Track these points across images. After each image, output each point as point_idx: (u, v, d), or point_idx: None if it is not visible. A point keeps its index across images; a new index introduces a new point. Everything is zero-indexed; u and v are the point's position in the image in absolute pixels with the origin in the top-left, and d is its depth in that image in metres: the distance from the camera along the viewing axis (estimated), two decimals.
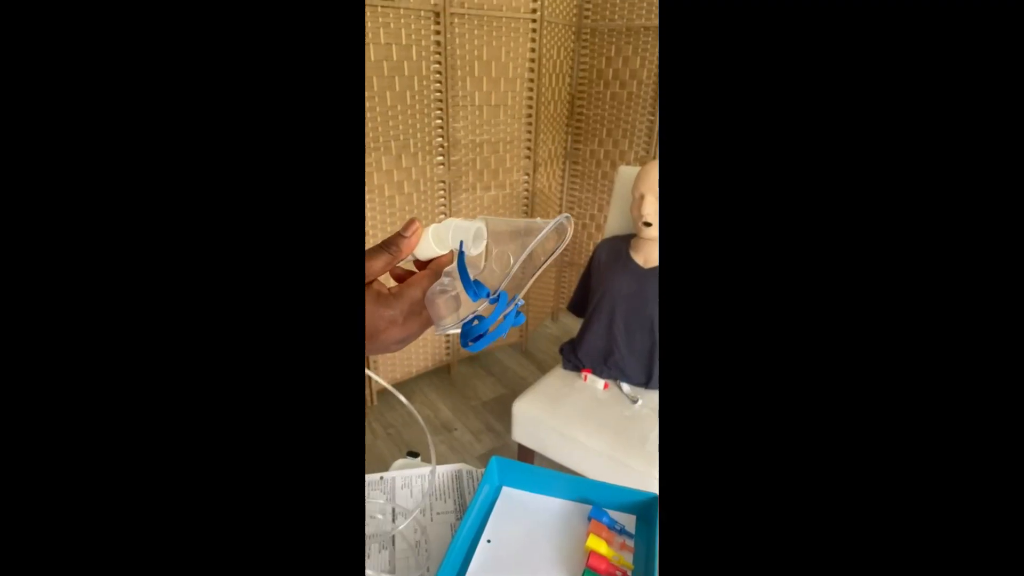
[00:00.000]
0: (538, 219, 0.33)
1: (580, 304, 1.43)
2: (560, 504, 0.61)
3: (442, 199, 1.71)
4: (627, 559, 0.54)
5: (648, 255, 1.26)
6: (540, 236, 0.33)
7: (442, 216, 1.73)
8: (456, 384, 1.95)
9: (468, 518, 0.57)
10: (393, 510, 0.61)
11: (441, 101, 1.56)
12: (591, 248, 1.82)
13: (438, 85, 1.53)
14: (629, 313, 1.26)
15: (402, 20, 1.39)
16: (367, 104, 1.42)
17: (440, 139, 1.61)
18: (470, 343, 0.34)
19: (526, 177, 1.89)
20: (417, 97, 1.50)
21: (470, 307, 0.35)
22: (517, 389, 1.92)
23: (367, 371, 0.48)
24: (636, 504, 0.60)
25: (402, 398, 0.48)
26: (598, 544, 0.54)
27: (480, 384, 1.96)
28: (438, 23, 1.46)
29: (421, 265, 0.37)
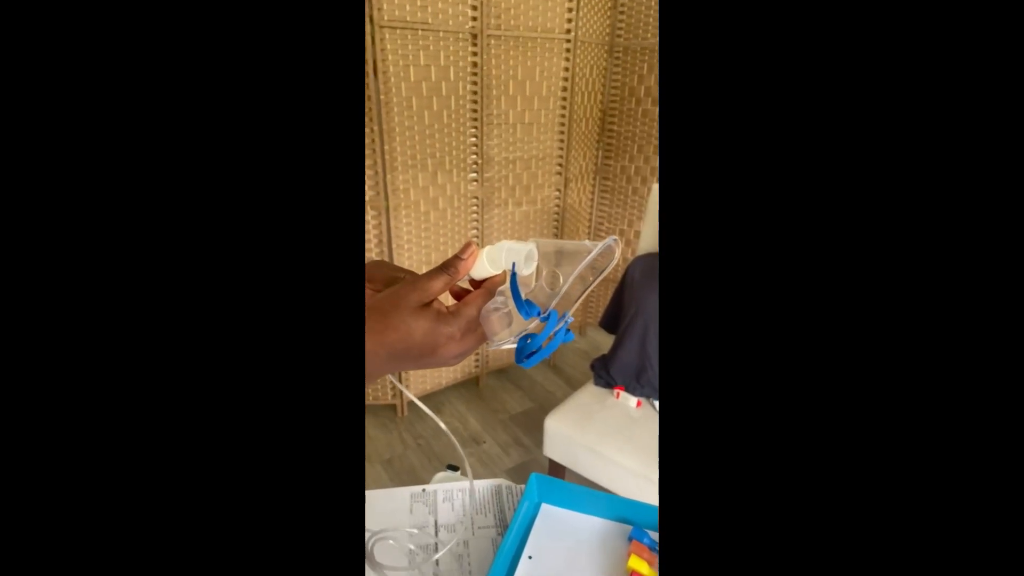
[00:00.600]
0: (586, 241, 0.34)
1: (612, 321, 1.43)
2: (600, 523, 0.62)
3: (475, 215, 1.74)
4: None
5: None
6: (589, 258, 0.34)
7: (475, 232, 1.76)
8: (484, 397, 1.97)
9: (510, 534, 0.58)
10: (436, 522, 0.63)
11: (476, 119, 1.60)
12: (620, 263, 1.83)
13: (473, 104, 1.57)
14: None
15: (440, 43, 1.44)
16: (406, 124, 1.47)
17: (474, 156, 1.65)
18: (524, 359, 0.36)
19: (557, 193, 1.91)
20: (453, 116, 1.55)
21: (521, 324, 0.36)
22: (545, 403, 1.93)
23: (397, 383, 0.50)
24: None
25: (430, 412, 0.50)
26: (640, 565, 0.54)
27: (508, 397, 1.97)
28: (475, 44, 1.50)
29: (476, 284, 0.39)
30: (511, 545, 0.57)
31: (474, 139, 1.62)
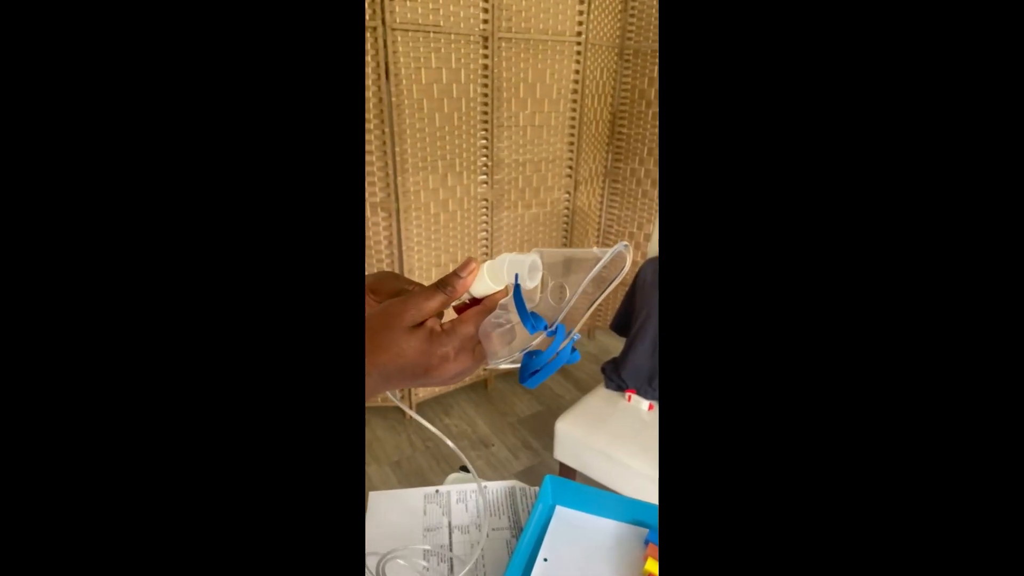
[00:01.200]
0: (595, 248, 0.32)
1: (623, 323, 1.43)
2: (615, 526, 0.61)
3: (484, 217, 1.74)
4: None
5: None
6: (599, 266, 0.32)
7: (484, 234, 1.76)
8: (493, 400, 1.96)
9: (525, 536, 0.57)
10: (449, 524, 0.62)
11: (486, 122, 1.60)
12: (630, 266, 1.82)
13: (484, 107, 1.58)
14: None
15: (452, 45, 1.44)
16: (417, 126, 1.47)
17: (484, 158, 1.65)
18: (528, 377, 0.34)
19: (567, 195, 1.90)
20: (464, 118, 1.55)
21: (525, 340, 0.35)
22: (553, 406, 1.92)
23: (393, 397, 0.46)
24: None
25: (424, 422, 0.48)
26: (657, 568, 0.53)
27: (517, 400, 1.96)
28: (486, 47, 1.50)
29: (476, 302, 0.37)
30: (526, 547, 0.57)
31: (484, 141, 1.63)
